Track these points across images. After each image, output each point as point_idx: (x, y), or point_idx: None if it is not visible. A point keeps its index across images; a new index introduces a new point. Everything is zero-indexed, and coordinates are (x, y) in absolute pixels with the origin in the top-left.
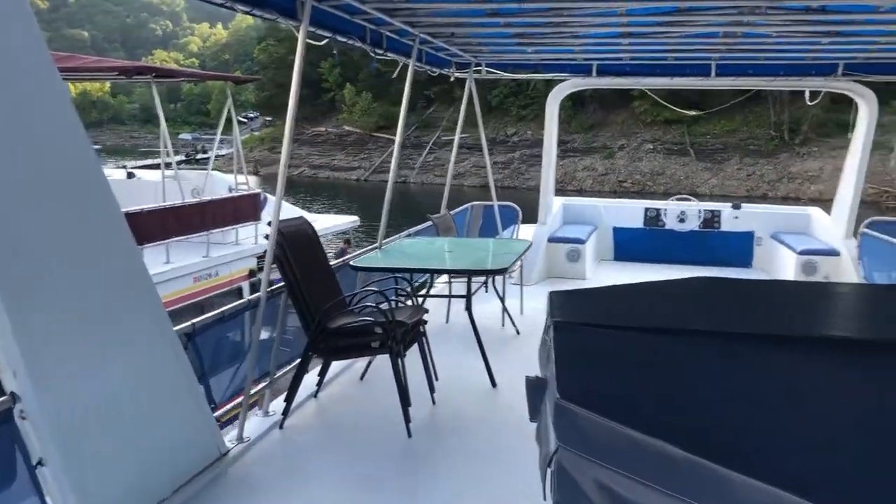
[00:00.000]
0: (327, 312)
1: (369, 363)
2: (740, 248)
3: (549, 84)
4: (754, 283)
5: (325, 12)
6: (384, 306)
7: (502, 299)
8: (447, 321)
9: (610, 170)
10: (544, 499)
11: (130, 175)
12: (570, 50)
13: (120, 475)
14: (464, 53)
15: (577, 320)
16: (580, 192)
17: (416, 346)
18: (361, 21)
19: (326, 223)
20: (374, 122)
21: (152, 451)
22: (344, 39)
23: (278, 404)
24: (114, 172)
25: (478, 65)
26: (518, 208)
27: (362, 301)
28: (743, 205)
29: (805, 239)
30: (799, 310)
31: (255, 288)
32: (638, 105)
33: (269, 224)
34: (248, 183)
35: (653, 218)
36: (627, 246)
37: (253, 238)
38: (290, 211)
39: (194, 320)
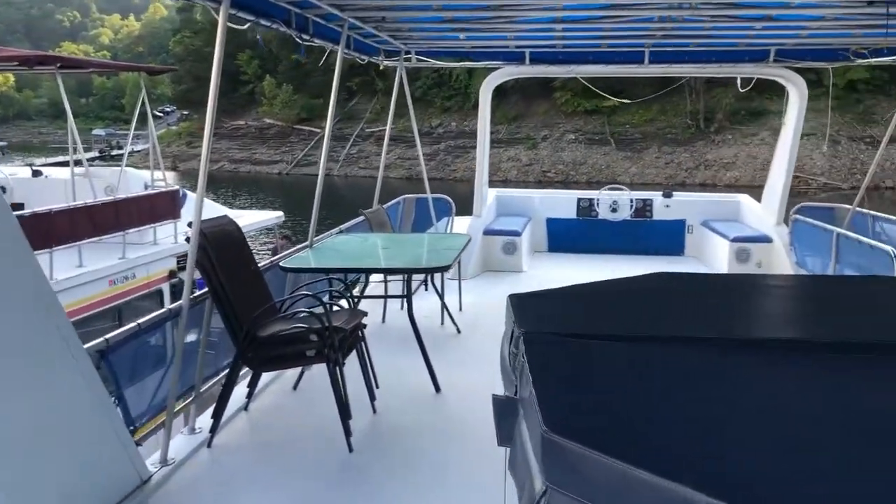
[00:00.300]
0: (257, 320)
1: (303, 371)
2: (672, 236)
3: (473, 75)
4: (713, 278)
5: None
6: (319, 310)
7: (441, 297)
8: (383, 321)
9: (534, 160)
10: None
11: (37, 173)
12: (503, 37)
13: None
14: (394, 40)
15: (549, 329)
16: (505, 183)
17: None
18: (286, 4)
19: (250, 220)
20: (296, 114)
21: (64, 484)
22: (267, 24)
23: (205, 420)
24: (18, 170)
25: (407, 53)
26: (451, 201)
27: (295, 305)
28: (674, 193)
29: (736, 226)
30: (778, 308)
31: (176, 290)
32: (559, 96)
33: (190, 225)
34: (165, 179)
35: (585, 208)
36: (561, 237)
37: (172, 237)
38: (212, 208)
39: (107, 336)
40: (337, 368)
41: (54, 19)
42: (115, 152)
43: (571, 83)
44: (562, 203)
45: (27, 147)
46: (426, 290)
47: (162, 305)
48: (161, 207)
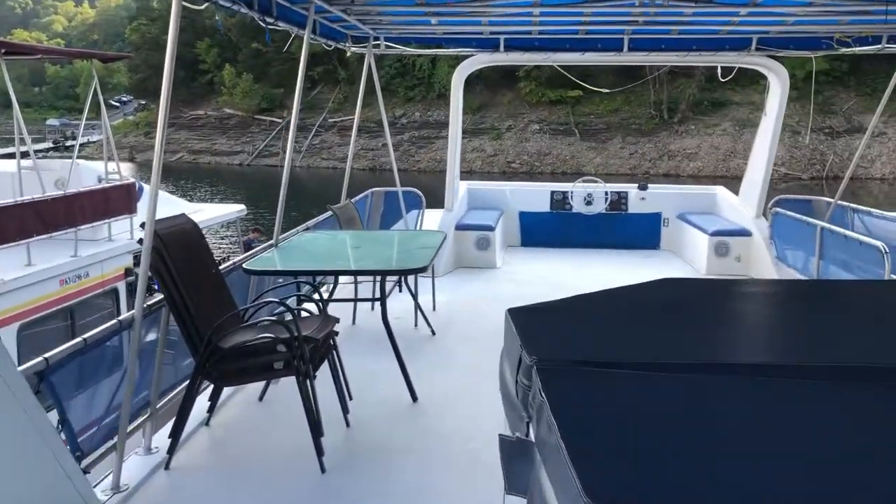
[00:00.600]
0: (219, 329)
1: (269, 381)
2: (648, 229)
3: (436, 64)
4: (720, 284)
5: None
6: (287, 318)
7: (415, 297)
8: (353, 322)
9: (499, 151)
10: None
11: None
12: (478, 22)
13: None
14: (362, 25)
15: (564, 357)
16: (470, 174)
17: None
18: None
19: (211, 213)
20: (256, 104)
21: None
22: (227, 4)
23: (163, 438)
24: None
25: (376, 39)
26: (421, 194)
27: (260, 311)
28: (649, 186)
29: (714, 219)
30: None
31: (133, 288)
32: (524, 86)
33: (143, 226)
34: (119, 171)
35: (559, 201)
36: (534, 231)
37: (128, 233)
38: (170, 203)
39: (47, 355)
40: (307, 381)
41: (5, 6)
42: (69, 143)
43: (536, 73)
44: (535, 196)
45: None
46: (400, 291)
47: (118, 305)
48: (116, 202)
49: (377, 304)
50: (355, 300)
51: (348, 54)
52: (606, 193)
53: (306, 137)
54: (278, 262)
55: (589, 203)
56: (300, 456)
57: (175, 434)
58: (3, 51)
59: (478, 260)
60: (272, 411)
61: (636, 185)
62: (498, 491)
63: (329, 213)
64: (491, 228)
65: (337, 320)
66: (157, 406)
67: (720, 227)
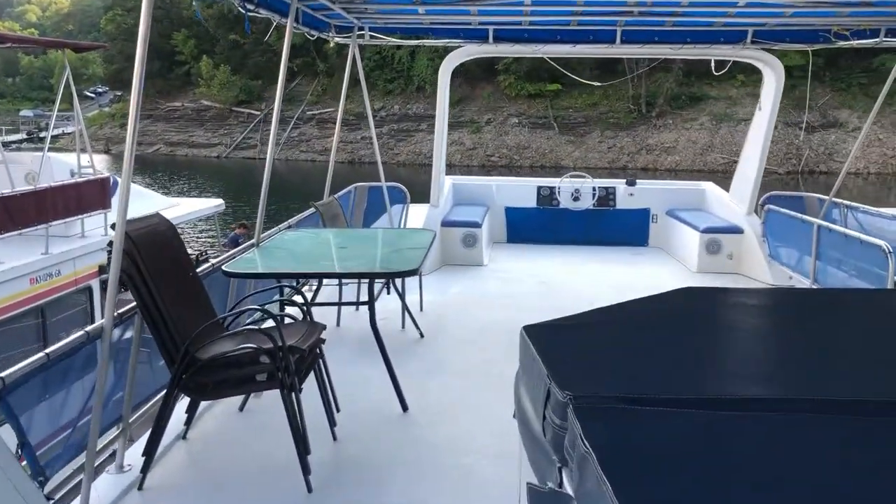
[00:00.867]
0: (197, 339)
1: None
2: (636, 226)
3: (415, 57)
4: (746, 295)
5: None
6: (270, 323)
7: (403, 298)
8: (338, 324)
9: (478, 144)
10: None
11: None
12: (466, 11)
13: None
14: (347, 14)
15: (602, 393)
16: (450, 167)
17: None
18: None
19: (188, 208)
20: (234, 95)
21: None
22: None
23: (136, 454)
24: None
25: (361, 28)
26: (405, 189)
27: (242, 318)
28: (637, 181)
29: (704, 216)
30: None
31: (107, 286)
32: (503, 79)
33: (114, 227)
34: (93, 165)
35: (546, 197)
36: (521, 227)
37: (102, 228)
38: (144, 198)
39: (4, 374)
40: (293, 394)
41: None
42: (43, 134)
43: (515, 66)
44: (521, 191)
45: None
46: (388, 293)
47: (91, 304)
48: (89, 197)
49: (368, 309)
50: (340, 304)
51: (332, 44)
52: (594, 189)
53: (285, 130)
54: (260, 263)
55: (576, 199)
56: (285, 470)
57: (149, 450)
58: None
59: (464, 257)
60: (254, 422)
61: (624, 180)
62: None
63: (312, 209)
64: (478, 225)
65: (324, 327)
66: (130, 420)
67: (711, 224)
